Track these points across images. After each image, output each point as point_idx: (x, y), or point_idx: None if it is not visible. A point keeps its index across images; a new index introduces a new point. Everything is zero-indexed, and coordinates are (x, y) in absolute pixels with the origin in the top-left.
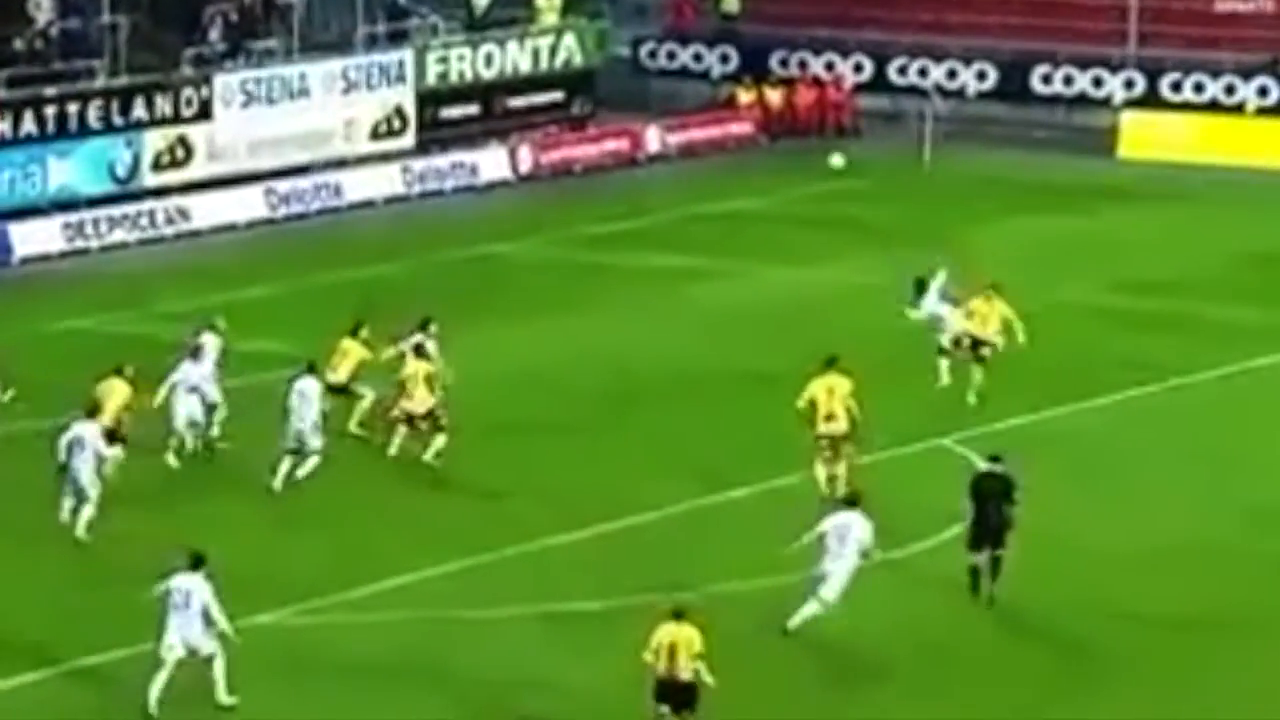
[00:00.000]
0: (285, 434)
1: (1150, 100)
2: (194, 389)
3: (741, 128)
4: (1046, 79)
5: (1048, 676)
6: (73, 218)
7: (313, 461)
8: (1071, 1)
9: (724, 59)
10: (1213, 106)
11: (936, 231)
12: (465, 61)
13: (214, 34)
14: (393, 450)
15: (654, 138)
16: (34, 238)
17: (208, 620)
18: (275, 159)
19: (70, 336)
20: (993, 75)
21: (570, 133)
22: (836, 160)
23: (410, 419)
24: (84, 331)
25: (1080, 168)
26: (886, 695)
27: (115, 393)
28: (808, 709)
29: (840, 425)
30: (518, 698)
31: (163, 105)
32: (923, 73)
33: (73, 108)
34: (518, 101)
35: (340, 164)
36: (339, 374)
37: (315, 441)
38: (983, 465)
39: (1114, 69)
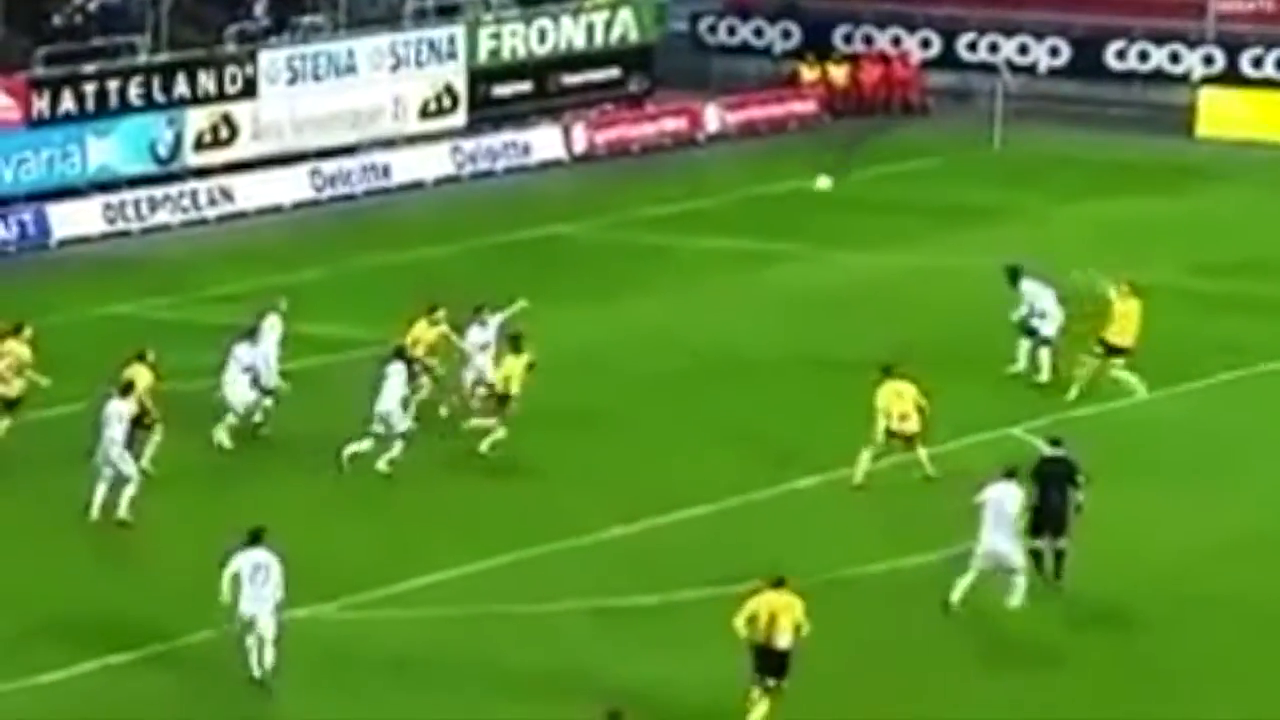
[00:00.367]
0: (371, 417)
1: (1229, 76)
2: (248, 369)
3: (804, 106)
4: (1121, 55)
5: (1116, 668)
6: (113, 199)
7: (397, 447)
8: None
9: (786, 34)
10: None
11: (1009, 214)
12: (518, 37)
13: (259, 9)
14: (484, 445)
15: (713, 116)
16: (73, 219)
17: (277, 596)
18: (321, 138)
19: (110, 322)
20: (1066, 51)
21: (626, 111)
22: (823, 183)
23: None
24: (124, 316)
25: (1157, 147)
26: (944, 684)
27: (138, 378)
28: (880, 697)
29: (913, 424)
30: (567, 695)
31: (206, 82)
32: (993, 48)
33: (113, 85)
34: (572, 79)
35: (389, 144)
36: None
37: (400, 425)
38: (1045, 449)
39: (1192, 44)
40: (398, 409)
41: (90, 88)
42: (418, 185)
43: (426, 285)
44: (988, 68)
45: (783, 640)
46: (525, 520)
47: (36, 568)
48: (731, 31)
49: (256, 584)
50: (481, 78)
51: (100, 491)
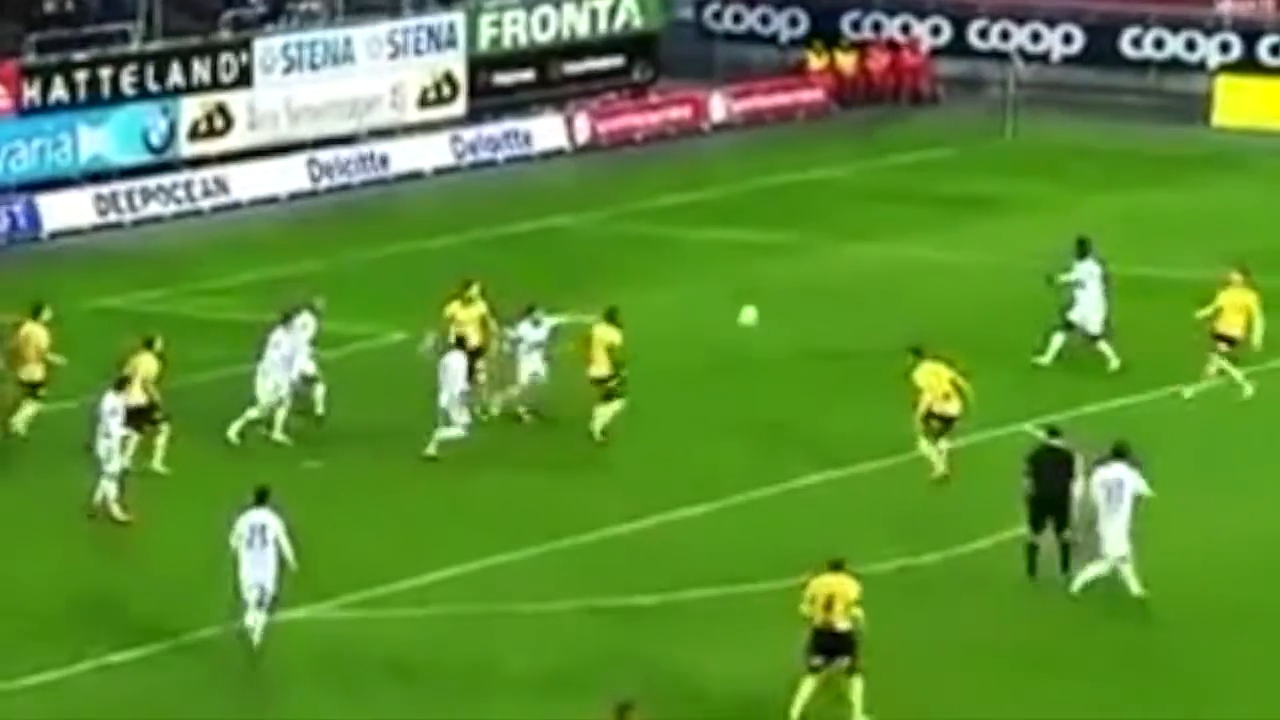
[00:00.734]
0: (435, 408)
1: (1247, 64)
2: (285, 358)
3: (812, 95)
4: (1136, 42)
5: (1122, 668)
6: (105, 189)
7: (453, 433)
8: None
9: (793, 22)
10: None
11: (1021, 206)
12: (519, 25)
13: None
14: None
15: (719, 106)
16: (64, 210)
17: (279, 559)
18: (318, 128)
19: (102, 315)
20: (1079, 38)
21: (630, 100)
22: (747, 316)
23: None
24: (116, 310)
25: (1173, 136)
26: (949, 683)
27: (143, 366)
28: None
29: (955, 405)
30: (568, 695)
31: (200, 71)
32: (1005, 36)
33: (105, 73)
34: (575, 67)
35: (387, 133)
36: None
37: (460, 417)
38: (1042, 439)
39: (1208, 31)
40: (454, 401)
41: (82, 76)
42: (417, 176)
43: (426, 278)
44: (999, 55)
45: (841, 623)
46: (527, 517)
47: (31, 565)
48: (737, 19)
49: (255, 547)
50: (482, 66)
51: (112, 488)
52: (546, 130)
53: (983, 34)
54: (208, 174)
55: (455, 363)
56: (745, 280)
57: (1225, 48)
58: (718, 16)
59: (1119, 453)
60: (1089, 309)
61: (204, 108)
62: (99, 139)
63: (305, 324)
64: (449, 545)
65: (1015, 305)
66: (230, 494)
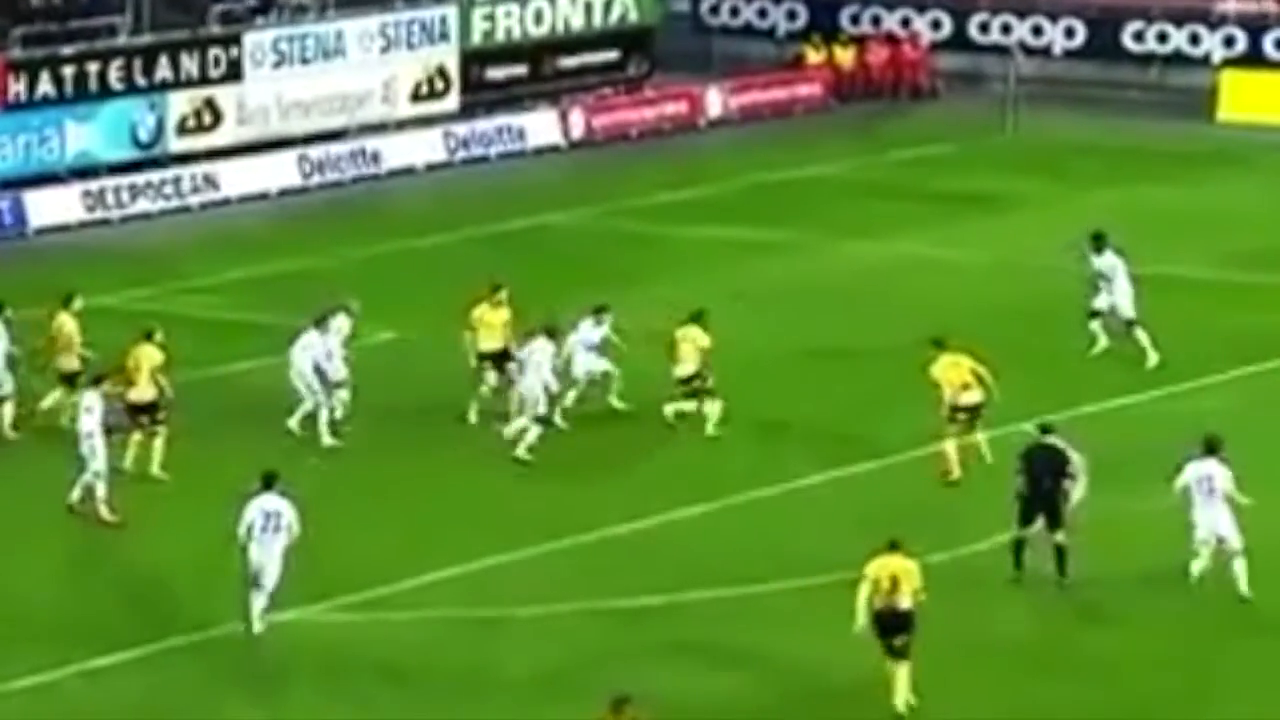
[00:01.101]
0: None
1: (1251, 58)
2: (314, 360)
3: (810, 89)
4: (1139, 36)
5: (1124, 667)
6: (92, 186)
7: (532, 429)
8: None
9: (791, 15)
10: None
11: (1022, 202)
12: (513, 18)
13: None
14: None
15: (715, 100)
16: (51, 207)
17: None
18: (309, 123)
19: (90, 314)
20: (1081, 32)
21: (625, 95)
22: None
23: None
24: (105, 308)
25: (1176, 131)
26: (951, 682)
27: (146, 358)
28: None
29: (977, 394)
30: (568, 696)
31: (189, 65)
32: (1005, 29)
33: (93, 68)
34: (569, 61)
35: (378, 128)
36: (495, 341)
37: (535, 409)
38: (1035, 435)
39: (1212, 24)
40: (537, 390)
41: (69, 70)
42: (409, 171)
43: (417, 276)
44: (1000, 49)
45: (905, 602)
46: (527, 517)
47: (23, 566)
48: (734, 12)
49: (267, 533)
50: (475, 60)
51: (99, 488)
52: (540, 126)
53: (983, 28)
54: (197, 170)
55: (542, 353)
56: (743, 278)
57: (1230, 42)
58: (714, 10)
59: (1210, 448)
60: (1120, 296)
61: (193, 103)
62: (86, 134)
63: (340, 327)
64: (449, 546)
65: (1016, 303)
66: (226, 494)
